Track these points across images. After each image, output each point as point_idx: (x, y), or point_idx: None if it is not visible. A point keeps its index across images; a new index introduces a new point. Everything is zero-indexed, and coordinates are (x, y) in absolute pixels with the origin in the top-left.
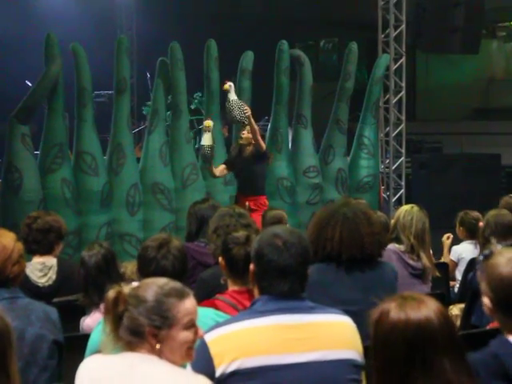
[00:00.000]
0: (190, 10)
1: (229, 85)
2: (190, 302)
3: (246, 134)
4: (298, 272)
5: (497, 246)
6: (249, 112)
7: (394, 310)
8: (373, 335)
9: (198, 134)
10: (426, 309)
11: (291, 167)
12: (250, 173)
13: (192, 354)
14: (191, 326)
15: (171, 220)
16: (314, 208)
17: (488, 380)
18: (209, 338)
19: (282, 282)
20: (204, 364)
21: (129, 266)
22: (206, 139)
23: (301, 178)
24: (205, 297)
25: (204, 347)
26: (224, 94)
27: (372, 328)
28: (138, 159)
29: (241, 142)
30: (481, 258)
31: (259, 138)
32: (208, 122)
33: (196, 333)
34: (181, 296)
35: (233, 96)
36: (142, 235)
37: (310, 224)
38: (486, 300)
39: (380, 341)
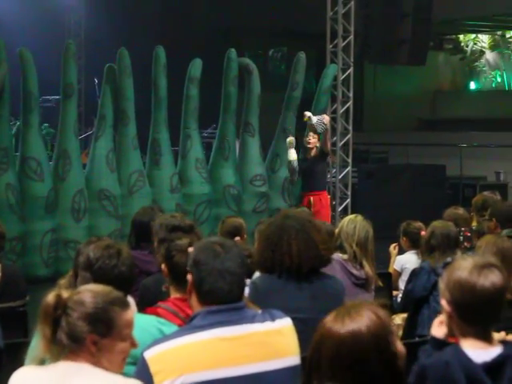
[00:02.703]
0: (139, 17)
1: (308, 116)
2: (130, 313)
3: (311, 139)
4: (237, 274)
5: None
6: (327, 123)
7: (330, 321)
8: (311, 345)
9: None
10: (357, 324)
11: (238, 175)
12: (311, 171)
13: (124, 365)
14: (129, 336)
15: (117, 227)
16: (260, 216)
17: None
18: (148, 354)
19: (222, 285)
20: (144, 382)
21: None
22: (292, 154)
23: (247, 186)
24: (147, 304)
25: (144, 365)
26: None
27: (313, 338)
28: (85, 165)
29: (308, 146)
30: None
31: (328, 141)
32: (291, 139)
33: (132, 344)
34: (124, 306)
35: (314, 120)
36: None
37: (257, 242)
38: (443, 302)
39: (311, 350)
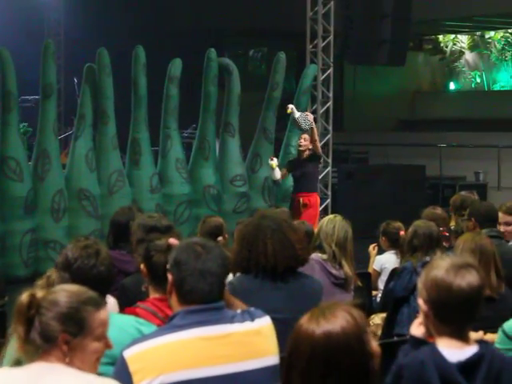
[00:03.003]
0: (119, 17)
1: (290, 108)
2: (104, 313)
3: (302, 142)
4: (218, 275)
5: (425, 258)
6: (312, 121)
7: (305, 321)
8: (288, 346)
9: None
10: (332, 324)
11: (218, 175)
12: (302, 173)
13: (98, 365)
14: (103, 337)
15: (97, 227)
16: (240, 216)
17: None
18: (128, 354)
19: (203, 285)
20: (123, 381)
21: (54, 273)
22: (276, 175)
23: (227, 186)
24: (126, 304)
25: (123, 364)
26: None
27: (289, 339)
28: (65, 165)
29: (300, 148)
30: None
31: (317, 142)
32: (272, 163)
33: (106, 344)
34: (97, 305)
35: (296, 114)
36: (67, 242)
37: (234, 242)
38: (420, 301)
39: (288, 349)
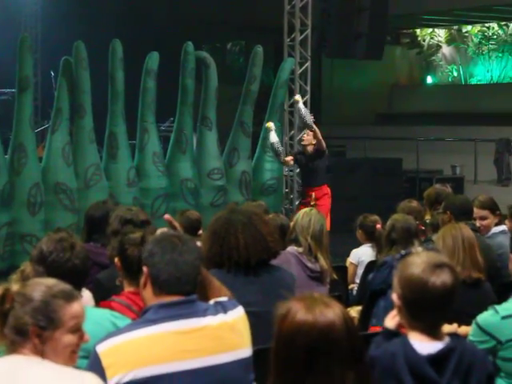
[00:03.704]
0: (95, 10)
1: (298, 97)
2: (77, 306)
3: (305, 136)
4: (193, 267)
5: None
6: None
7: (301, 311)
8: (276, 335)
9: None
10: (333, 313)
11: (195, 169)
12: (312, 167)
13: (75, 358)
14: (77, 329)
15: (73, 221)
16: (217, 210)
17: (381, 377)
18: (101, 348)
19: (179, 276)
20: (96, 375)
21: (29, 267)
22: (272, 137)
23: (205, 180)
24: (101, 298)
25: (96, 358)
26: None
27: (276, 327)
28: (41, 159)
29: (303, 143)
30: (397, 256)
31: (321, 137)
32: (269, 124)
33: (81, 337)
34: (69, 298)
35: (303, 108)
36: (43, 236)
37: (204, 237)
38: (394, 296)
39: (282, 341)
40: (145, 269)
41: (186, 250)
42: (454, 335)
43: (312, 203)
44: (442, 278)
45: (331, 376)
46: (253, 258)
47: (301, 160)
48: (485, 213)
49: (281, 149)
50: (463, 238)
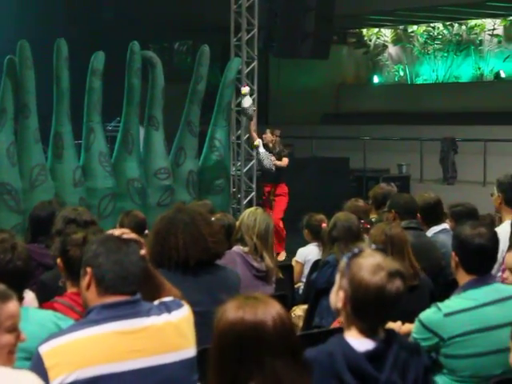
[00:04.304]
0: (41, 8)
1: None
2: (12, 305)
3: (269, 136)
4: (138, 267)
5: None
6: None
7: (231, 310)
8: (212, 334)
9: None
10: (264, 311)
11: (142, 169)
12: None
13: (13, 359)
14: (13, 329)
15: (19, 221)
16: (164, 209)
17: (321, 378)
18: (43, 349)
19: (124, 276)
20: (38, 376)
21: None
22: (246, 102)
23: (152, 180)
24: (45, 299)
25: (39, 360)
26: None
27: (213, 327)
28: None
29: (265, 142)
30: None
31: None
32: (245, 90)
33: (18, 337)
34: (4, 298)
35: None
36: None
37: (149, 236)
38: (341, 294)
39: (216, 339)
40: (88, 269)
41: (131, 250)
42: (389, 331)
43: (271, 197)
44: (397, 285)
45: (263, 370)
46: (191, 258)
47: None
48: None
49: (251, 113)
50: (392, 245)
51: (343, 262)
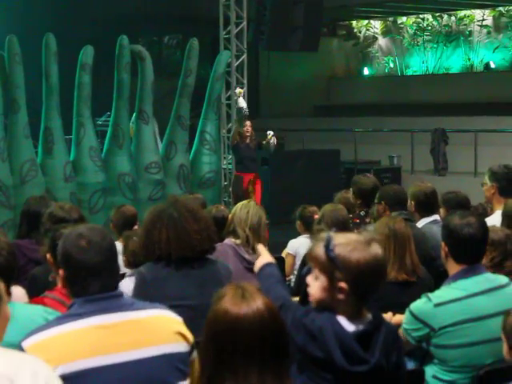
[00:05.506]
0: (29, 3)
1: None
2: None
3: (249, 128)
4: (107, 268)
5: None
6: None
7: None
8: (208, 329)
9: None
10: (247, 305)
11: (133, 163)
12: (253, 157)
13: None
14: None
15: (9, 217)
16: (155, 204)
17: (306, 342)
18: (26, 344)
19: (93, 282)
20: None
21: None
22: (241, 103)
23: (142, 174)
24: (36, 293)
25: None
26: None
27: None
28: None
29: (247, 134)
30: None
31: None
32: (239, 90)
33: None
34: None
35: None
36: None
37: (139, 231)
38: (338, 274)
39: (206, 331)
40: (61, 272)
41: (96, 252)
42: (375, 314)
43: (249, 189)
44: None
45: (235, 372)
46: (174, 253)
47: (244, 150)
48: None
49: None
50: (395, 239)
51: (320, 250)
